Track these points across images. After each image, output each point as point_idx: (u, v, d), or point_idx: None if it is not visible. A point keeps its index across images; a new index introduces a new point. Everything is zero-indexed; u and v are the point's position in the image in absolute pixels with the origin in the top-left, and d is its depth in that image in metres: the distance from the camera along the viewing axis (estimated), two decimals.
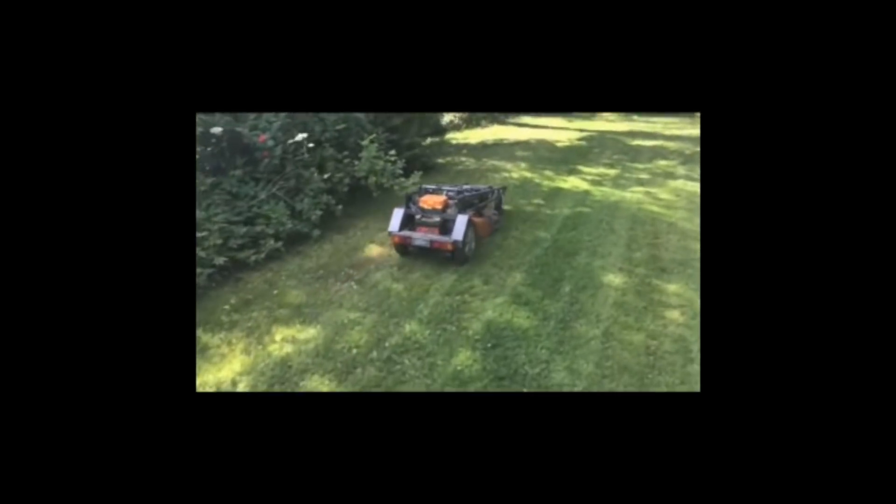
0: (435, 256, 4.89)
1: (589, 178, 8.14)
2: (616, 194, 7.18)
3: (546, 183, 7.87)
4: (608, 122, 13.58)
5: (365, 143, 6.25)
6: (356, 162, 6.29)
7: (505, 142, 11.44)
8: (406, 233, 4.70)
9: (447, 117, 14.03)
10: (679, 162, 8.86)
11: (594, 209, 6.55)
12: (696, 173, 8.08)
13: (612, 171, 8.45)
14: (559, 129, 12.68)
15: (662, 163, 8.86)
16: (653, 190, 7.33)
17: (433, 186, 5.45)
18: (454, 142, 11.99)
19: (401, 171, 6.34)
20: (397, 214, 4.75)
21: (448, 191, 5.17)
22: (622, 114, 14.45)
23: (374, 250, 5.44)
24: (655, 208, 6.57)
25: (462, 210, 4.81)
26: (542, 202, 6.90)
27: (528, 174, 8.31)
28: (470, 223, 4.66)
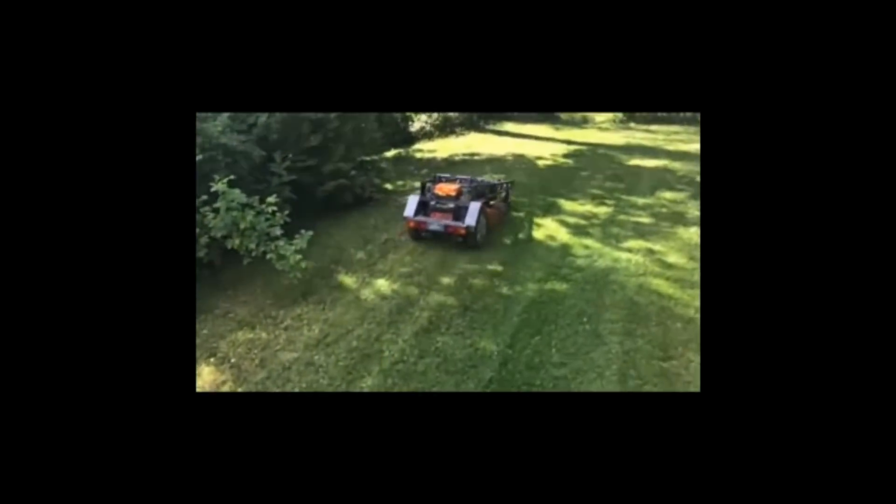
0: (447, 241, 4.68)
1: (572, 221, 5.83)
2: (606, 255, 4.88)
3: (512, 229, 5.60)
4: (601, 132, 11.23)
5: (218, 185, 3.90)
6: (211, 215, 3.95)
7: (477, 157, 9.11)
8: (421, 218, 4.60)
9: (417, 124, 11.72)
10: (689, 195, 6.56)
11: (573, 286, 4.28)
12: None
13: (603, 210, 6.15)
14: (544, 141, 10.34)
15: (668, 195, 6.56)
16: (658, 247, 5.03)
17: (447, 175, 5.29)
18: (419, 156, 9.68)
19: (279, 231, 4.00)
20: (413, 201, 4.65)
21: (461, 179, 5.03)
22: (618, 122, 12.09)
23: (199, 378, 3.21)
24: (663, 286, 4.30)
25: (475, 198, 4.68)
26: (499, 268, 4.64)
27: None
28: (482, 210, 4.56)
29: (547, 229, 5.57)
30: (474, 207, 4.52)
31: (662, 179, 7.22)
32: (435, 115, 11.86)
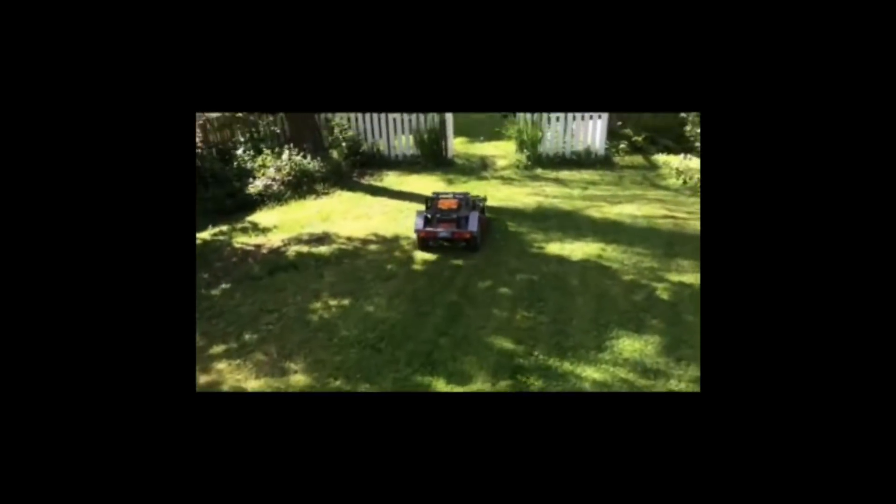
0: (452, 249, 4.94)
1: None
2: None
3: None
4: (504, 185, 8.12)
5: None
6: None
7: (321, 250, 5.52)
8: (430, 229, 4.89)
9: (260, 182, 7.93)
10: (664, 343, 3.47)
11: None
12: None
13: None
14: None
15: (628, 347, 3.42)
16: None
17: (444, 193, 5.32)
18: (239, 242, 5.88)
19: None
20: (420, 216, 4.95)
21: (456, 196, 5.19)
22: (522, 168, 9.09)
23: None
24: None
25: (471, 209, 4.97)
26: None
27: None
28: (479, 218, 4.92)
29: None
30: (474, 216, 4.85)
31: (606, 296, 4.08)
32: (286, 169, 8.14)
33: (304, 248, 5.43)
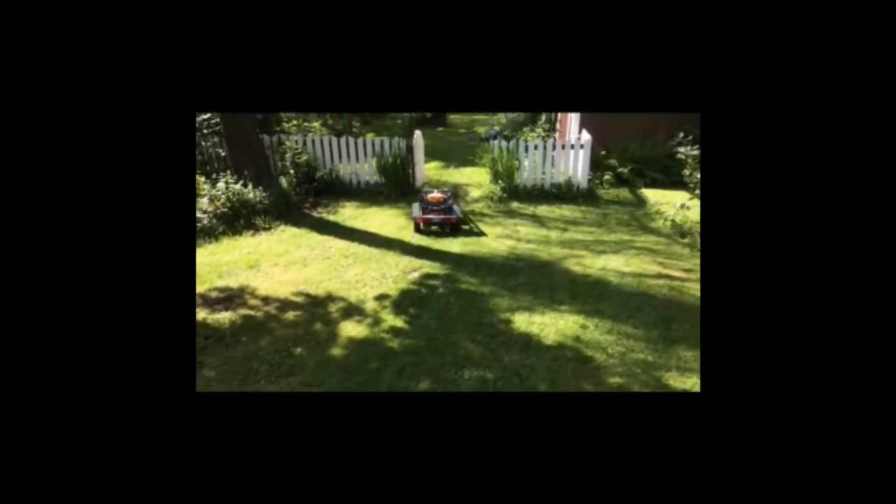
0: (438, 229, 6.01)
1: None
2: None
3: None
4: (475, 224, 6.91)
5: None
6: None
7: (209, 324, 4.20)
8: (425, 216, 6.11)
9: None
10: None
11: None
12: None
13: None
14: (381, 249, 5.76)
15: None
16: None
17: (432, 189, 7.04)
18: None
19: None
20: (417, 207, 6.44)
21: (441, 190, 6.96)
22: (496, 200, 7.86)
23: None
24: None
25: (453, 202, 6.50)
26: None
27: None
28: (459, 208, 6.42)
29: None
30: (456, 207, 6.45)
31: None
32: (221, 199, 6.84)
33: (202, 314, 4.10)
